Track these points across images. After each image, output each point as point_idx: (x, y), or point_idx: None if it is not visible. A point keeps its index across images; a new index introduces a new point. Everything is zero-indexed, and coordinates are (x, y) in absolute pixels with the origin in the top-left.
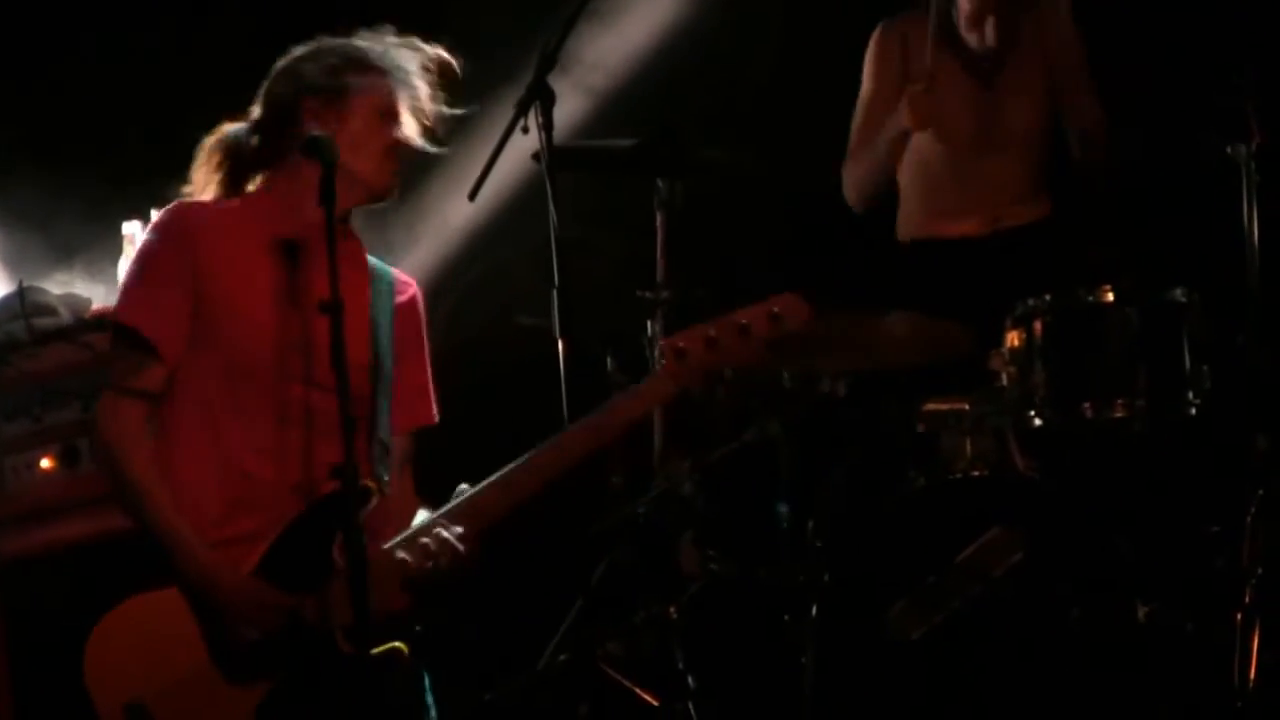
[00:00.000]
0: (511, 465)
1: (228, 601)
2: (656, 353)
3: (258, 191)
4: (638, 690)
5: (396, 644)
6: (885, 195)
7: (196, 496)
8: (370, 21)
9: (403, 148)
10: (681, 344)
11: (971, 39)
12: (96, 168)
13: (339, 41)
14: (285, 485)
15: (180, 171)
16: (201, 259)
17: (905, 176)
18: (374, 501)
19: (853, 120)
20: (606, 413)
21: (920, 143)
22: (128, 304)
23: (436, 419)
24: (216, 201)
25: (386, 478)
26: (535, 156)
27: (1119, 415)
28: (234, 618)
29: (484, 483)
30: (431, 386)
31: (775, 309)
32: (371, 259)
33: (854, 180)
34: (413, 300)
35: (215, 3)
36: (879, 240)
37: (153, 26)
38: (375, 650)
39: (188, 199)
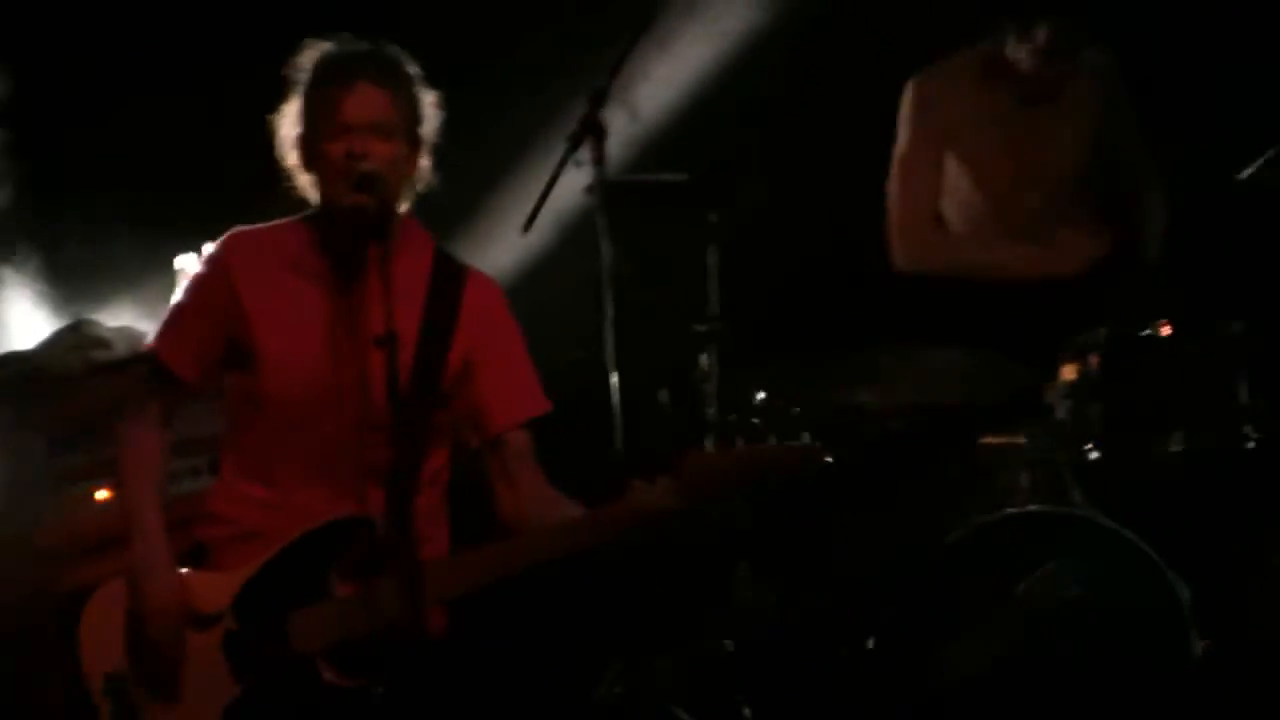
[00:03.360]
0: (507, 542)
1: (149, 592)
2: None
3: (307, 215)
4: None
5: (372, 682)
6: None
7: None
8: (424, 55)
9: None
10: (696, 465)
11: (1034, 68)
12: (151, 201)
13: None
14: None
15: (233, 206)
16: (242, 296)
17: (951, 214)
18: (374, 536)
19: (891, 181)
20: (607, 511)
21: (960, 184)
22: (158, 332)
23: (547, 406)
24: (270, 229)
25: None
26: (588, 189)
27: (1176, 448)
28: (146, 610)
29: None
30: (533, 376)
31: (795, 458)
32: (440, 261)
33: (914, 262)
34: (489, 299)
35: (268, 40)
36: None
37: (206, 62)
38: (349, 682)
39: (239, 229)
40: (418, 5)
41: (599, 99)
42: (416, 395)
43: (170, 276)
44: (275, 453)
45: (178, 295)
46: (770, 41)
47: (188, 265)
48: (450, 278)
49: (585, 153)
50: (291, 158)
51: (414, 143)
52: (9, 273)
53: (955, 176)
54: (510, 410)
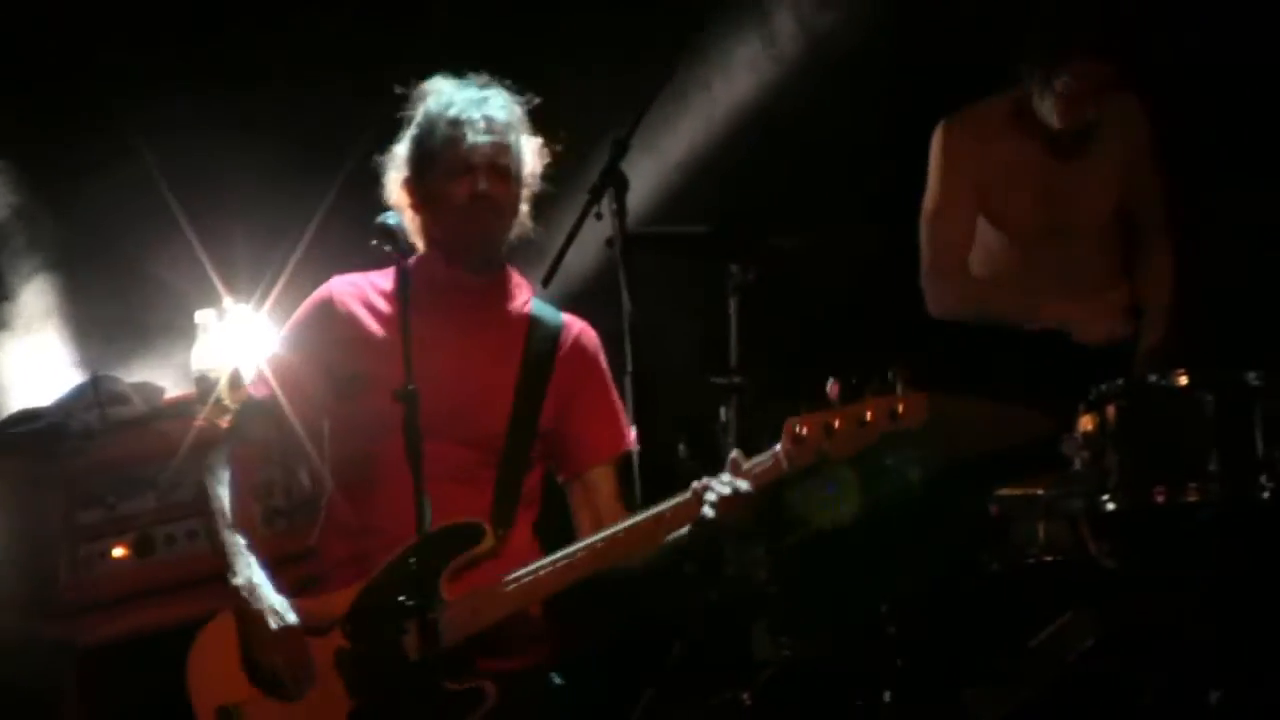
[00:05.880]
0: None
1: (264, 610)
2: (786, 430)
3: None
4: None
5: (484, 682)
6: None
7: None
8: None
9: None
10: (800, 427)
11: (1059, 119)
12: (170, 257)
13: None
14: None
15: (254, 263)
16: (339, 334)
17: (979, 265)
18: (486, 540)
19: (923, 228)
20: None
21: (989, 236)
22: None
23: (631, 442)
24: (371, 275)
25: (514, 520)
26: (609, 242)
27: (1192, 499)
28: (261, 637)
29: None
30: (620, 415)
31: (897, 407)
32: (539, 305)
33: (948, 309)
34: (577, 344)
35: (297, 89)
36: (951, 325)
37: (233, 115)
38: (463, 685)
39: (339, 277)
40: (436, 55)
41: (620, 151)
42: (516, 428)
43: (190, 332)
44: (382, 479)
45: (280, 339)
46: (793, 91)
47: (208, 321)
48: (548, 324)
49: (606, 205)
50: (400, 198)
51: (521, 184)
52: (27, 328)
53: (984, 228)
54: (596, 451)
